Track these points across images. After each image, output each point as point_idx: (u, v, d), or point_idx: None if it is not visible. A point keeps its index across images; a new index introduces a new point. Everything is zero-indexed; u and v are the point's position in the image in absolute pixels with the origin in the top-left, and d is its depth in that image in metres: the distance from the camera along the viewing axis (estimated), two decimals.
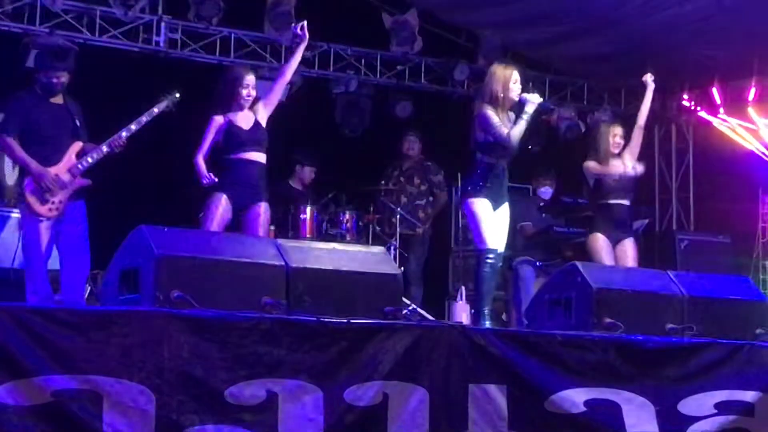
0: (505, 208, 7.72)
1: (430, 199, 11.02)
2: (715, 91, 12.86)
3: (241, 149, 7.47)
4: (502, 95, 7.64)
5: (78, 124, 7.39)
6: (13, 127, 7.25)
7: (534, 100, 7.64)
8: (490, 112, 7.59)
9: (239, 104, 7.54)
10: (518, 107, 7.66)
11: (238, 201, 7.44)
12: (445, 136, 9.57)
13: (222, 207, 7.39)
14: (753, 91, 12.41)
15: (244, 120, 7.53)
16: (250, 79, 7.60)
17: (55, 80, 7.32)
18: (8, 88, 7.64)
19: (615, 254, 8.85)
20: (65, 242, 7.28)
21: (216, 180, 7.32)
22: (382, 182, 11.00)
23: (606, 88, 13.30)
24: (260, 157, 7.53)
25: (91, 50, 10.39)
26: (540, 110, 7.85)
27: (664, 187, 13.84)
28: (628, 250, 8.90)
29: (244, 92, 7.54)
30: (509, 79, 7.67)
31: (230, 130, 7.47)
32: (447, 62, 12.28)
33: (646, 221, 11.89)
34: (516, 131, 7.58)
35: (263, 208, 7.51)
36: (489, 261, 7.57)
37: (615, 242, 8.86)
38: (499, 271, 7.82)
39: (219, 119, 7.49)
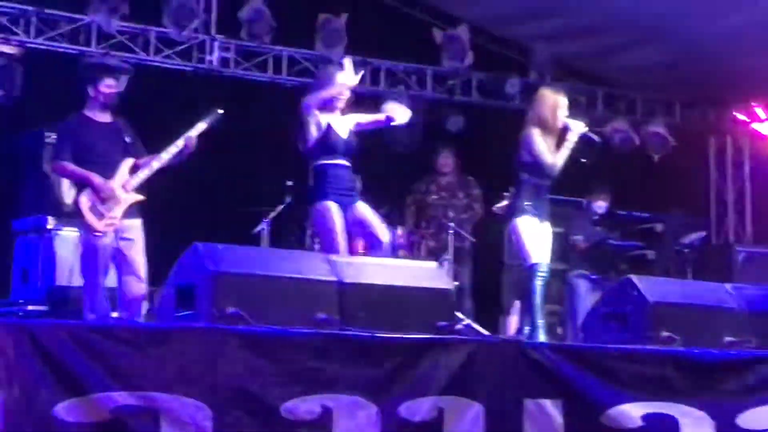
0: (547, 226, 7.76)
1: (471, 213, 11.02)
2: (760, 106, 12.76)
3: (335, 156, 7.59)
4: (550, 121, 7.72)
5: (128, 140, 7.47)
6: (65, 151, 7.35)
7: (577, 128, 7.69)
8: (537, 137, 7.67)
9: (334, 106, 7.64)
10: (562, 133, 7.73)
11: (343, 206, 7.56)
12: (496, 150, 9.55)
13: (337, 214, 7.48)
14: None
15: (340, 126, 7.64)
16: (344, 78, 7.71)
17: (108, 91, 7.42)
18: (64, 110, 7.75)
19: None
20: (122, 259, 7.35)
21: None
22: (413, 197, 11.03)
23: (659, 100, 13.21)
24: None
25: (145, 70, 10.50)
26: (585, 139, 7.84)
27: (720, 200, 13.71)
28: None
29: (339, 92, 7.64)
30: (558, 105, 7.78)
31: (328, 134, 7.57)
32: (498, 76, 12.25)
33: (703, 234, 11.78)
34: (559, 158, 7.71)
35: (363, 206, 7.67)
36: (540, 275, 7.60)
37: None
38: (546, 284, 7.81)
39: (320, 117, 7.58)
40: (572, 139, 7.72)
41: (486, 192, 11.12)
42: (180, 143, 7.47)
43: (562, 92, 7.96)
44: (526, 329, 7.63)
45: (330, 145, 7.55)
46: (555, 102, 7.79)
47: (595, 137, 7.94)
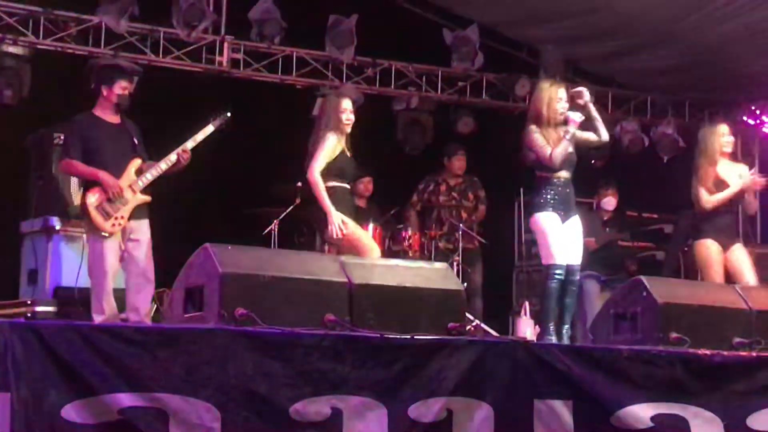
0: (575, 220, 7.68)
1: (476, 214, 11.00)
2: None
3: (343, 179, 7.70)
4: (545, 113, 7.63)
5: (136, 142, 7.49)
6: (74, 149, 7.36)
7: (576, 118, 7.61)
8: (534, 133, 7.60)
9: (342, 130, 7.71)
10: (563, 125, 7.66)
11: None
12: (507, 151, 9.53)
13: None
14: None
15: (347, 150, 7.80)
16: (347, 103, 7.77)
17: (122, 93, 7.44)
18: (72, 110, 7.75)
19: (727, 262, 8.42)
20: (130, 260, 7.35)
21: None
22: (419, 196, 11.00)
23: (670, 101, 13.18)
24: None
25: (155, 71, 10.50)
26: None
27: None
28: (741, 256, 8.49)
29: (344, 117, 7.70)
30: (553, 97, 7.66)
31: (339, 157, 7.67)
32: (508, 77, 12.23)
33: None
34: (558, 151, 7.55)
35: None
36: (556, 276, 7.52)
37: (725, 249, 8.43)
38: (568, 284, 7.73)
39: (336, 141, 7.67)
40: (571, 130, 7.58)
41: (497, 193, 11.12)
42: (173, 157, 7.46)
43: (559, 85, 7.82)
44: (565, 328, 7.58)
45: (339, 169, 7.67)
46: (549, 94, 7.65)
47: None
